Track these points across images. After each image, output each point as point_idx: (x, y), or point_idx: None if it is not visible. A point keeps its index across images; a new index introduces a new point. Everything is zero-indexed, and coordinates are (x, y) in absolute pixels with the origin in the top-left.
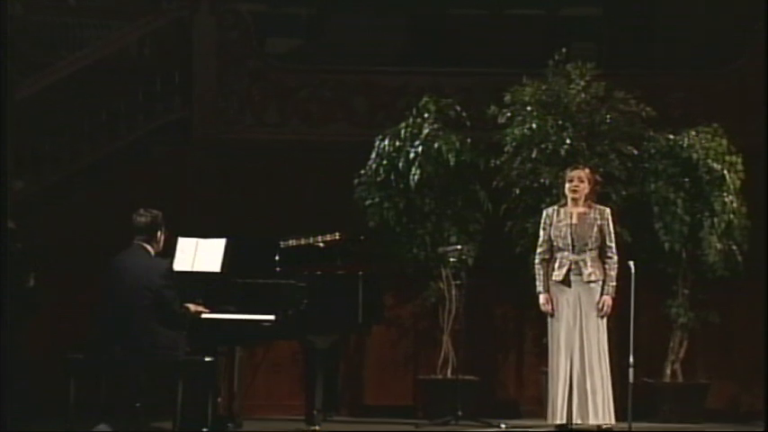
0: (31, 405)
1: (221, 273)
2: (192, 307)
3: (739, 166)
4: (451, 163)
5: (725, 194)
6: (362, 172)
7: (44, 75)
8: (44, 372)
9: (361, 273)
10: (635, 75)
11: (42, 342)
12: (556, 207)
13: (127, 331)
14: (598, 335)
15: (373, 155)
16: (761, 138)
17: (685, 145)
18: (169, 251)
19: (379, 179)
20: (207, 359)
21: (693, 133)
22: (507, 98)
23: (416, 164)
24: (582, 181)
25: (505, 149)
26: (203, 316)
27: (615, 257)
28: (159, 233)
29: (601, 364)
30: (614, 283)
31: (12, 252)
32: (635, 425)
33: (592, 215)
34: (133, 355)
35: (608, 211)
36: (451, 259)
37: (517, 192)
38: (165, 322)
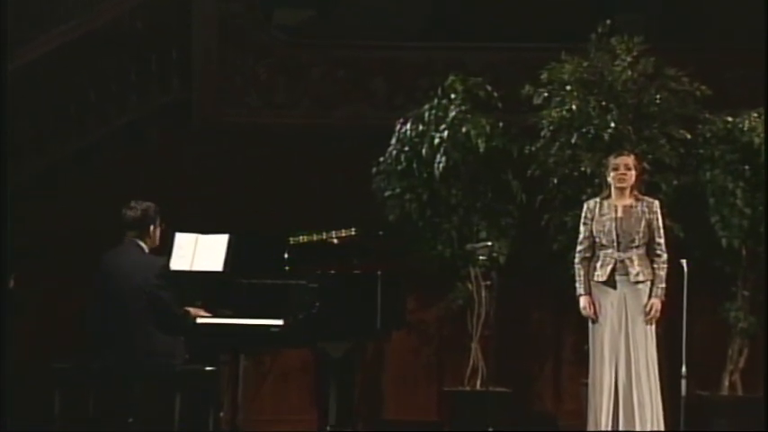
0: (11, 418)
1: (224, 272)
2: (192, 311)
3: None
4: (481, 149)
5: None
6: (381, 160)
7: (25, 51)
8: (26, 382)
9: (379, 272)
10: (688, 49)
11: (25, 349)
12: (598, 199)
13: (118, 337)
14: (646, 342)
15: (393, 141)
16: None
17: (745, 128)
18: (166, 248)
19: (399, 168)
20: (208, 368)
21: (755, 115)
22: (544, 76)
23: (442, 150)
24: (629, 169)
25: (542, 134)
26: (204, 321)
27: (665, 255)
28: (152, 227)
29: (649, 375)
30: (664, 285)
31: None
32: None
33: (639, 208)
34: (125, 364)
35: (657, 203)
36: (481, 257)
37: (555, 181)
38: (161, 327)
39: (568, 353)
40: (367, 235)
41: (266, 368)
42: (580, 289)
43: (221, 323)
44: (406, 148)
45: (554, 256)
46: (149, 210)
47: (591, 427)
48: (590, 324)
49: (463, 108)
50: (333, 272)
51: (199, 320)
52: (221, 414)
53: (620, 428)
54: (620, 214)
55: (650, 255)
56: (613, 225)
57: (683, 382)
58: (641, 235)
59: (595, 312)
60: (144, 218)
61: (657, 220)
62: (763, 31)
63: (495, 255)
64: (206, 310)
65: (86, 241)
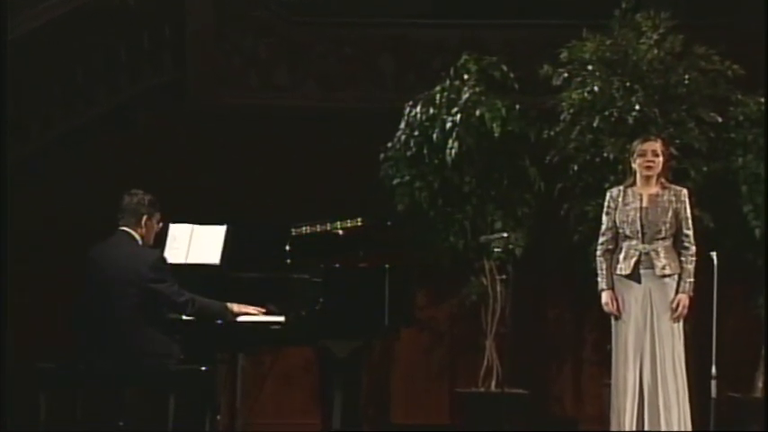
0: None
1: (221, 266)
2: (234, 307)
3: None
4: (496, 134)
5: None
6: (389, 145)
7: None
8: (9, 383)
9: (387, 266)
10: (719, 26)
11: (7, 349)
12: (622, 187)
13: (108, 335)
14: (673, 340)
15: (402, 124)
16: None
17: None
18: (160, 240)
19: (409, 154)
20: (204, 368)
21: None
22: (564, 55)
23: (454, 135)
24: (656, 155)
25: (561, 117)
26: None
27: (693, 248)
28: (146, 218)
29: (676, 376)
30: (692, 279)
31: None
32: None
33: (666, 197)
34: (116, 364)
35: (685, 191)
36: (496, 249)
37: (575, 168)
38: (156, 324)
39: (589, 352)
40: (374, 226)
41: (266, 368)
42: (602, 283)
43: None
44: (416, 133)
45: (574, 249)
46: (145, 199)
47: (614, 429)
48: (613, 321)
49: (477, 90)
50: (337, 265)
51: (243, 318)
52: (218, 417)
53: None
54: (645, 204)
55: (677, 247)
56: (638, 215)
57: (713, 382)
58: (668, 226)
59: (618, 308)
60: (139, 206)
61: (685, 209)
62: None
63: (511, 247)
64: (259, 309)
65: (73, 232)
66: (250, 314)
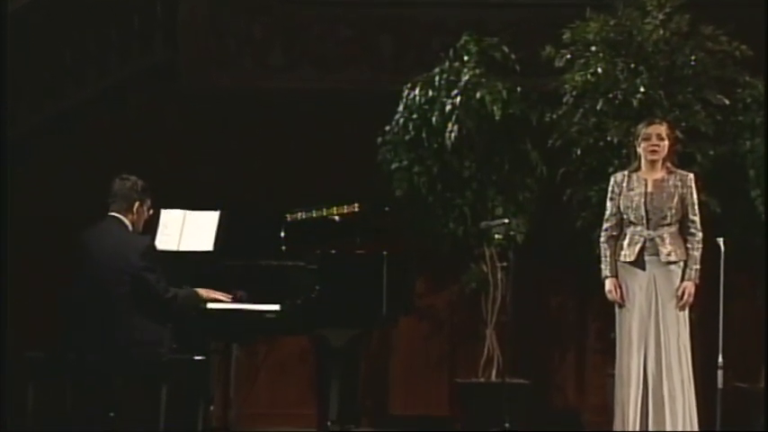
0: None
1: (214, 253)
2: (203, 292)
3: None
4: (497, 117)
5: None
6: (387, 129)
7: None
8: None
9: (385, 253)
10: (726, 5)
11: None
12: (626, 172)
13: (98, 324)
14: (678, 328)
15: (401, 107)
16: None
17: None
18: (150, 227)
19: (407, 137)
20: (197, 358)
21: None
22: (566, 36)
23: (454, 118)
24: (662, 139)
25: (564, 100)
26: (215, 306)
27: (700, 234)
28: (138, 204)
29: (681, 365)
30: (698, 266)
31: None
32: None
33: (671, 182)
34: (106, 353)
35: (691, 176)
36: (497, 236)
37: (578, 152)
38: (147, 313)
39: (593, 341)
40: (372, 211)
41: (261, 358)
42: (606, 271)
43: (212, 308)
44: (415, 116)
45: (577, 235)
46: (137, 184)
47: (617, 422)
48: (617, 309)
49: (477, 71)
50: (334, 252)
51: (210, 305)
52: (212, 408)
53: (650, 423)
54: (650, 189)
55: (683, 233)
56: (642, 200)
57: (720, 373)
58: (674, 211)
59: (622, 296)
60: (131, 192)
61: (692, 194)
62: None
63: (512, 233)
64: (226, 294)
65: (62, 218)
66: (218, 300)
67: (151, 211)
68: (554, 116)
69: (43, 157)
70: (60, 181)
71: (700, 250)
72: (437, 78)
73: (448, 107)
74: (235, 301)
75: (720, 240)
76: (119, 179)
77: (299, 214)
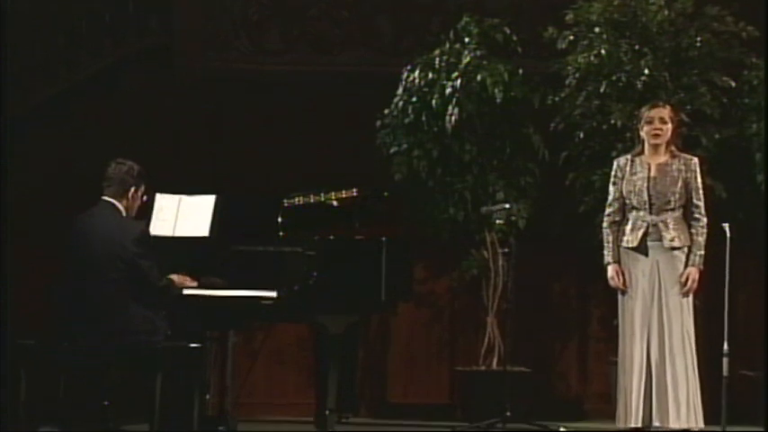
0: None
1: (210, 238)
2: (176, 278)
3: None
4: (498, 100)
5: None
6: (386, 112)
7: None
8: None
9: (384, 238)
10: None
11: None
12: (629, 156)
13: (92, 311)
14: (681, 315)
15: (400, 90)
16: None
17: None
18: (146, 211)
19: (407, 121)
20: (192, 346)
21: None
22: (569, 17)
23: (454, 101)
24: (665, 122)
25: (566, 82)
26: (189, 292)
27: (704, 219)
28: (133, 189)
29: (685, 353)
30: (702, 252)
31: None
32: (730, 429)
33: (675, 166)
34: (100, 341)
35: (696, 160)
36: (498, 221)
37: (581, 136)
38: (140, 300)
39: (595, 328)
40: (370, 196)
41: (258, 345)
42: (608, 257)
43: (207, 295)
44: (414, 99)
45: (579, 220)
46: (133, 169)
47: (620, 410)
48: (619, 296)
49: (478, 53)
50: (332, 237)
51: (185, 292)
52: (207, 396)
53: (653, 412)
54: (653, 173)
55: (687, 218)
56: (645, 185)
57: (725, 360)
58: (677, 196)
59: (625, 283)
60: (127, 177)
61: (696, 179)
62: None
63: (513, 218)
64: (192, 279)
65: (54, 202)
66: (187, 287)
67: (145, 198)
68: (556, 99)
69: (35, 138)
70: (52, 165)
71: (704, 236)
72: (437, 60)
73: (448, 90)
74: (201, 287)
75: (726, 226)
76: (115, 163)
77: (297, 199)
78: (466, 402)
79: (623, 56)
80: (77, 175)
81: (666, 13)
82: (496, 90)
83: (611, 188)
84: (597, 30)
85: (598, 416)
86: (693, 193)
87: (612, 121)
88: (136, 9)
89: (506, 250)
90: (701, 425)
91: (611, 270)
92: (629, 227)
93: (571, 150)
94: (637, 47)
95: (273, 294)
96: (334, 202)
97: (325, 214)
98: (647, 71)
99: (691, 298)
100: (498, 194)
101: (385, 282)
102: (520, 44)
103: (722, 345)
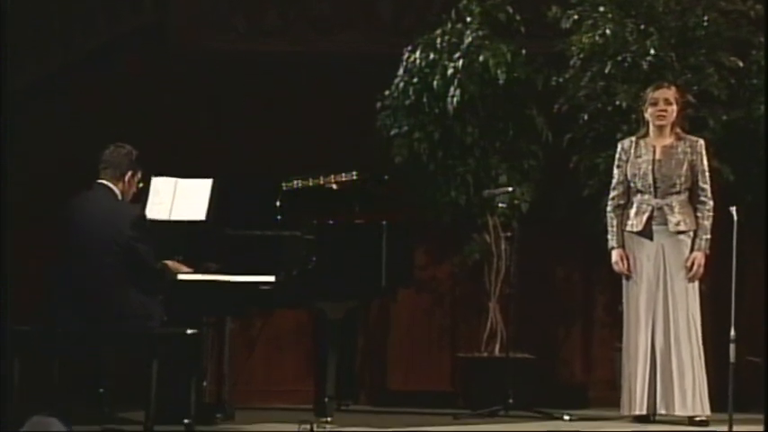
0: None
1: (207, 222)
2: (171, 265)
3: None
4: (501, 81)
5: None
6: (387, 93)
7: None
8: None
9: (384, 222)
10: None
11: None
12: (634, 138)
13: (87, 296)
14: (687, 300)
15: (401, 71)
16: None
17: None
18: (140, 196)
19: (408, 102)
20: (189, 332)
21: None
22: None
23: (456, 82)
24: (669, 104)
25: (571, 63)
26: (184, 277)
27: (710, 202)
28: (130, 173)
29: (691, 339)
30: (708, 236)
31: None
32: (737, 416)
33: (681, 148)
34: (95, 327)
35: (702, 142)
36: (500, 205)
37: (585, 118)
38: (137, 283)
39: (600, 314)
40: (370, 180)
41: (256, 332)
42: (612, 241)
43: (204, 280)
44: (415, 80)
45: (584, 204)
46: (132, 154)
47: (625, 397)
48: (624, 281)
49: (481, 33)
50: (331, 222)
51: (180, 277)
52: (204, 384)
53: (658, 399)
54: (658, 156)
55: (693, 201)
56: (650, 168)
57: (732, 346)
58: (683, 179)
59: (629, 268)
60: (124, 160)
61: (702, 161)
62: None
63: (516, 202)
64: (187, 265)
65: (47, 185)
66: (182, 272)
67: (141, 184)
68: (560, 80)
69: (27, 119)
70: (45, 146)
71: (710, 219)
72: (438, 41)
73: (450, 71)
74: (203, 272)
75: (733, 209)
76: (113, 146)
77: (295, 182)
78: (468, 389)
79: (629, 35)
80: (71, 158)
81: None
82: (499, 71)
83: (615, 171)
84: (602, 9)
85: (602, 403)
86: (699, 176)
87: (618, 103)
88: None
89: (509, 234)
90: (708, 412)
91: (615, 255)
92: (633, 210)
93: (575, 132)
94: (642, 26)
95: (271, 279)
96: (334, 186)
97: (324, 198)
98: (652, 51)
99: (697, 283)
100: (501, 178)
101: (385, 267)
102: (523, 24)
103: (729, 330)
